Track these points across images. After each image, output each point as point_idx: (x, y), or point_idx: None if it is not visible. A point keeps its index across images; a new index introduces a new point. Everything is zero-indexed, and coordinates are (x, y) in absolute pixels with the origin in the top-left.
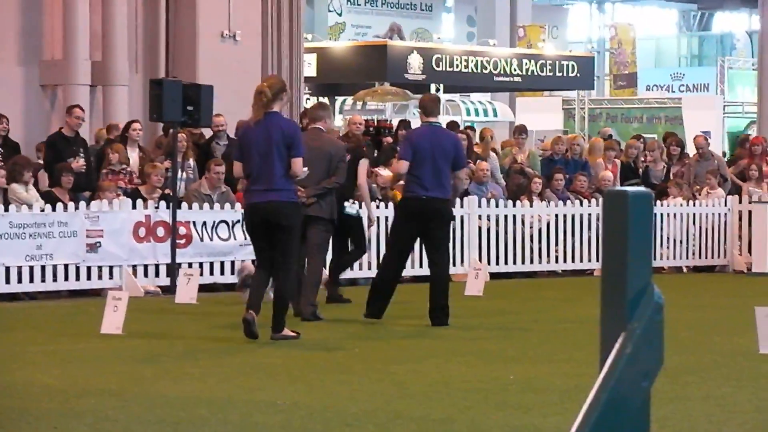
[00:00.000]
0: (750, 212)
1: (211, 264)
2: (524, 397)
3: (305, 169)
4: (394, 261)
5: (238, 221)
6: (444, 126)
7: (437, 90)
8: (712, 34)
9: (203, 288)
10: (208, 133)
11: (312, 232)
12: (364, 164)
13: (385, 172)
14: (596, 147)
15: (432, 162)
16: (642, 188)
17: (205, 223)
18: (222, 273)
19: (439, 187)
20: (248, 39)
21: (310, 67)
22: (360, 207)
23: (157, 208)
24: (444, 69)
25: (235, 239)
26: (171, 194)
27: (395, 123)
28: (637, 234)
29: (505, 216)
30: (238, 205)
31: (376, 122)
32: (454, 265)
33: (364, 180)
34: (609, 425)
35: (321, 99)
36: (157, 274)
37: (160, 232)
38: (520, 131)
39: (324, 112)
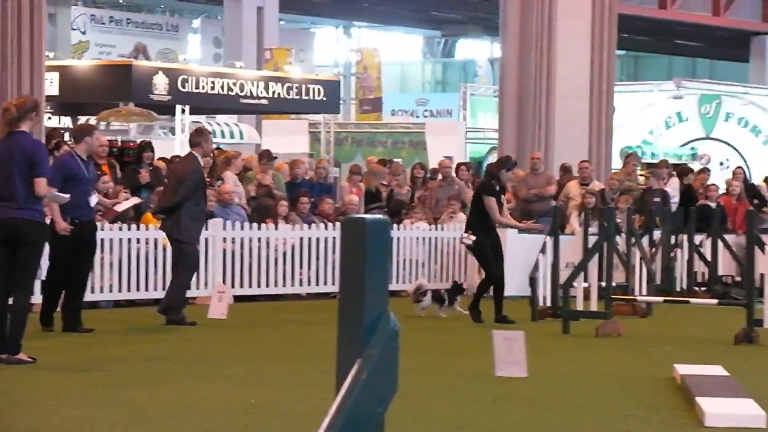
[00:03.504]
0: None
1: None
2: (267, 421)
3: (67, 195)
4: None
5: None
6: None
7: (183, 111)
8: (455, 60)
9: None
10: None
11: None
12: (489, 201)
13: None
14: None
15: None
16: (379, 216)
17: None
18: None
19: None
20: None
21: (52, 85)
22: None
23: None
24: (190, 90)
25: None
26: None
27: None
28: (374, 262)
29: (250, 238)
30: None
31: (120, 143)
32: (197, 288)
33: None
34: None
35: (63, 118)
36: None
37: None
38: (268, 157)
39: (200, 137)
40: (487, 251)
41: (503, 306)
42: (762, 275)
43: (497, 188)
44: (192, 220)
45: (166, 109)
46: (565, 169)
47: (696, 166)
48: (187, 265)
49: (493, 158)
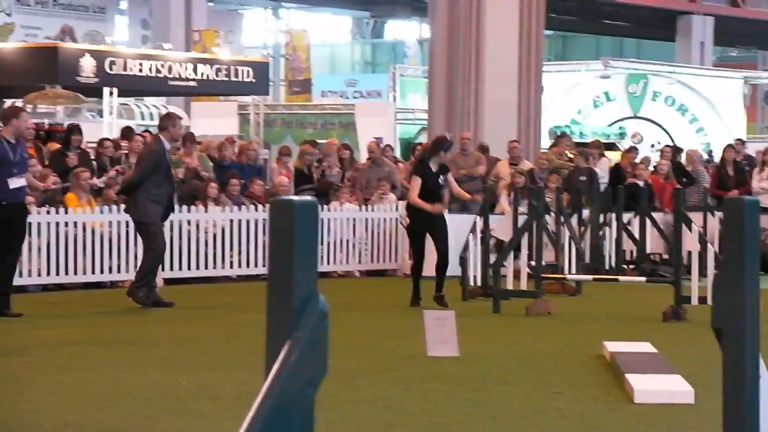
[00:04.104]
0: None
1: None
2: (197, 403)
3: None
4: None
5: None
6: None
7: (111, 93)
8: (384, 41)
9: None
10: None
11: None
12: (413, 180)
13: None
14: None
15: None
16: (308, 197)
17: None
18: None
19: None
20: None
21: None
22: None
23: None
24: (118, 72)
25: None
26: None
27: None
28: (302, 243)
29: (180, 221)
30: None
31: (47, 126)
32: (127, 271)
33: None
34: None
35: None
36: None
37: None
38: (191, 140)
39: (167, 122)
40: (417, 234)
41: (443, 286)
42: (689, 253)
43: (432, 170)
44: (151, 202)
45: (93, 91)
46: (483, 149)
47: (627, 144)
48: (150, 246)
49: (423, 139)
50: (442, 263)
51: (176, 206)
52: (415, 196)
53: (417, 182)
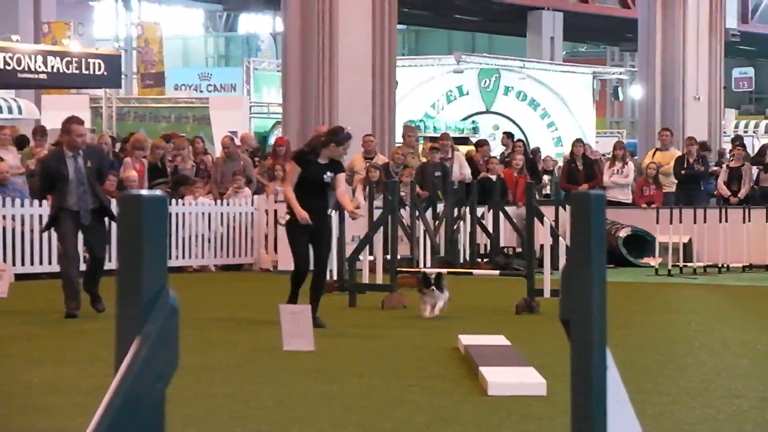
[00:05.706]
0: (276, 211)
1: None
2: (48, 399)
3: None
4: None
5: None
6: None
7: None
8: (238, 35)
9: None
10: None
11: None
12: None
13: None
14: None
15: None
16: (157, 192)
17: None
18: None
19: None
20: None
21: None
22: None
23: None
24: None
25: None
26: None
27: None
28: (151, 238)
29: (31, 215)
30: None
31: None
32: None
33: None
34: (124, 428)
35: None
36: None
37: None
38: (42, 133)
39: (62, 129)
40: (296, 234)
41: (318, 307)
42: (542, 246)
43: (320, 162)
44: (56, 210)
45: None
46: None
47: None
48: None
49: (278, 133)
50: (318, 280)
51: (26, 200)
52: (288, 188)
53: (293, 170)
